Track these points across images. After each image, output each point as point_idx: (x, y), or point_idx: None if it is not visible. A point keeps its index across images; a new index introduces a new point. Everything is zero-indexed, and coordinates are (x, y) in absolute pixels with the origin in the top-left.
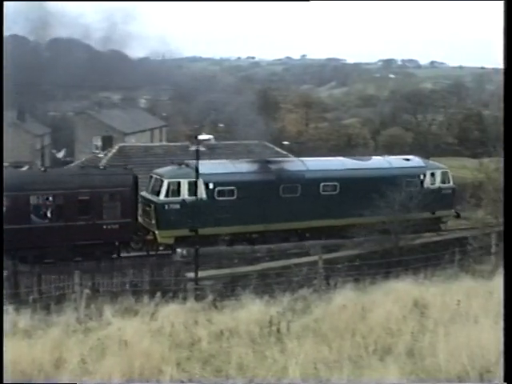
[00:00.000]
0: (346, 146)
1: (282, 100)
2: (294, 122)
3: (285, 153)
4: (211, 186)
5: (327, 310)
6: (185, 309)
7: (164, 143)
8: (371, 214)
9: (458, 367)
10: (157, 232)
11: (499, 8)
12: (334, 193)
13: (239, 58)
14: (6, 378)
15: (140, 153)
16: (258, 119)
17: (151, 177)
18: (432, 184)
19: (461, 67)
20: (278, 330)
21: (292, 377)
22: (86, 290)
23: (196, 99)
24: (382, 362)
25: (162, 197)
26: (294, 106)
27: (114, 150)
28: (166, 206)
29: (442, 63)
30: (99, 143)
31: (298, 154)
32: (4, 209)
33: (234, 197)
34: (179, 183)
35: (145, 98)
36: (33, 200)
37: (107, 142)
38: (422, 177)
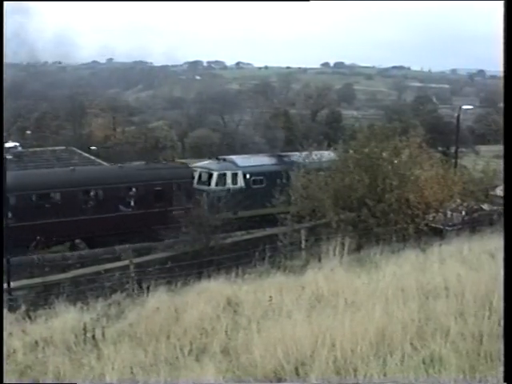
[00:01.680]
0: (154, 149)
1: (89, 105)
2: (101, 127)
3: (92, 158)
4: (248, 176)
5: (141, 313)
6: None
7: None
8: None
9: (274, 362)
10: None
11: (306, 8)
12: None
13: (46, 62)
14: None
15: None
16: (65, 125)
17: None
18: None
19: (266, 67)
20: (94, 337)
21: (109, 381)
22: None
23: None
24: (198, 362)
25: (212, 186)
26: (101, 111)
27: None
28: (217, 194)
29: (248, 64)
30: None
31: (106, 159)
32: (92, 200)
33: (264, 184)
34: (225, 174)
35: None
36: (121, 191)
37: None
38: None
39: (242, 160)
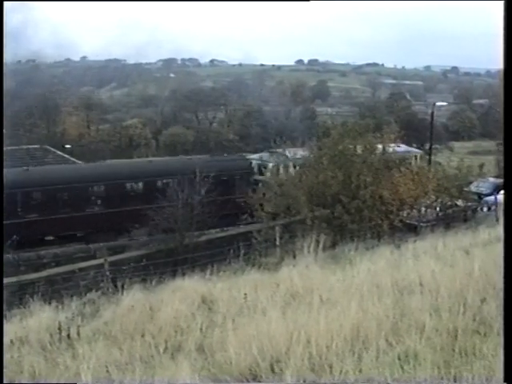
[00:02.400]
0: (128, 147)
1: (63, 103)
2: (75, 125)
3: (67, 156)
4: (297, 168)
5: (116, 312)
6: None
7: None
8: None
9: (249, 359)
10: (265, 203)
11: (280, 6)
12: None
13: (19, 61)
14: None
15: None
16: (39, 123)
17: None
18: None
19: (240, 65)
20: (69, 336)
21: (85, 381)
22: None
23: None
24: (173, 360)
25: (267, 177)
26: (75, 109)
27: None
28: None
29: (222, 61)
30: None
31: (80, 157)
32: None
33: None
34: (278, 165)
35: None
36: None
37: None
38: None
39: (291, 152)
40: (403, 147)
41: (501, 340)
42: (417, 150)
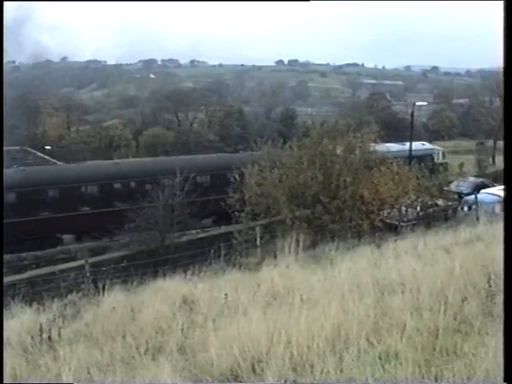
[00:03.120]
0: (108, 148)
1: (43, 104)
2: (56, 126)
3: (47, 157)
4: None
5: (97, 313)
6: None
7: None
8: None
9: (230, 360)
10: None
11: (260, 7)
12: None
13: None
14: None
15: None
16: (19, 125)
17: None
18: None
19: (221, 65)
20: (50, 338)
21: (66, 382)
22: None
23: None
24: (154, 361)
25: None
26: (55, 110)
27: None
28: None
29: (202, 62)
30: None
31: (60, 158)
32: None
33: None
34: None
35: None
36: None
37: None
38: (434, 155)
39: None
40: (427, 145)
41: (482, 339)
42: (439, 148)
